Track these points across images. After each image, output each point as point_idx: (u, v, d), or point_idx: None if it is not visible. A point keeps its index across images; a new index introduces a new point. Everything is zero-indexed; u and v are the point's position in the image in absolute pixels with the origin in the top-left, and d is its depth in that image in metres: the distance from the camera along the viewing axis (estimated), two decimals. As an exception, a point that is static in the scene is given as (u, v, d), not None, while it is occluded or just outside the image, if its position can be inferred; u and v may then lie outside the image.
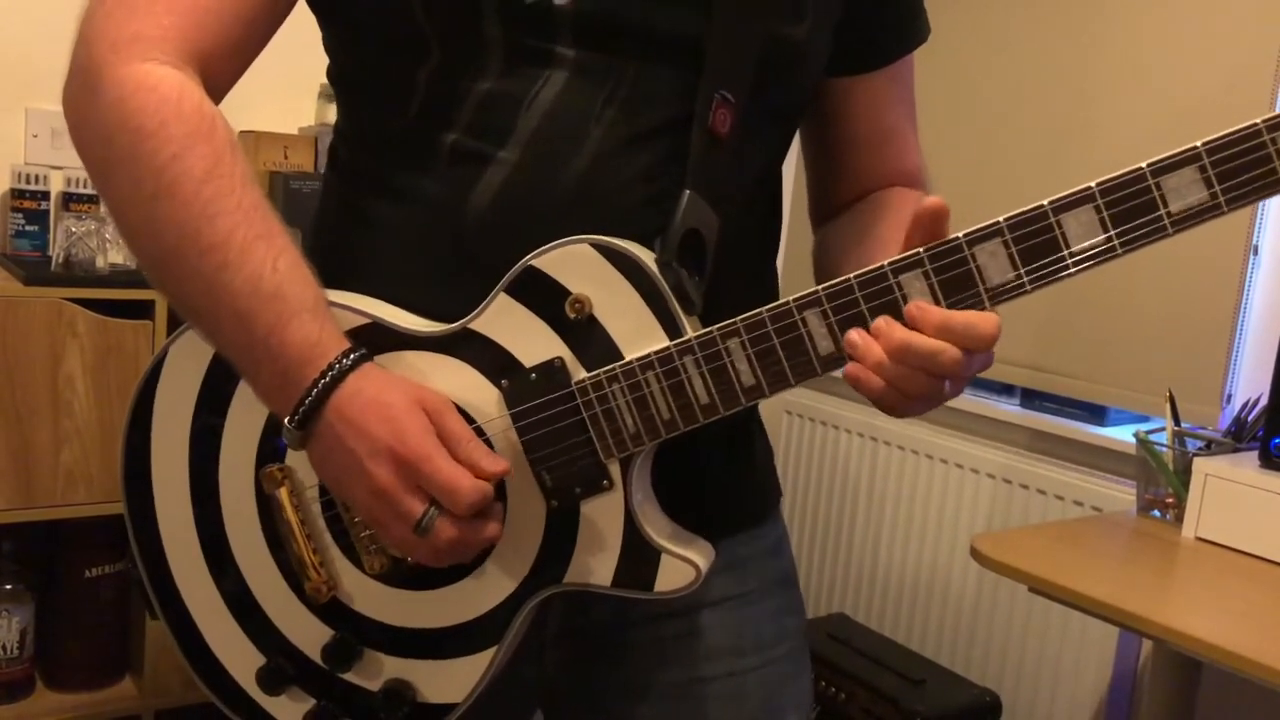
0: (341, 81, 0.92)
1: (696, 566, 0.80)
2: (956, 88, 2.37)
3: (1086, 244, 0.70)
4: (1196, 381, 1.95)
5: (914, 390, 0.72)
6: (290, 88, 1.79)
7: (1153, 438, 1.79)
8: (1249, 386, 1.93)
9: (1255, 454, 1.64)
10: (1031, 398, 2.30)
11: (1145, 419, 2.11)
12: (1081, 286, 2.09)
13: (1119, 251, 0.69)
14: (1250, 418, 1.78)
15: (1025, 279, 0.71)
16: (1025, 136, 2.25)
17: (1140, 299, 2.05)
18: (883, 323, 0.72)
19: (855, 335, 0.73)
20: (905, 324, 0.72)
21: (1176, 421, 1.82)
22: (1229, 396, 1.94)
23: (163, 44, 0.78)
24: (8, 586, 1.99)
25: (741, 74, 0.83)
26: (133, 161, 0.76)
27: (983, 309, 0.72)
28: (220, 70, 0.82)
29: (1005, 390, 2.36)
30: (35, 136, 2.14)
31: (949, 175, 0.84)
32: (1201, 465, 1.65)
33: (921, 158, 1.01)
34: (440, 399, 0.77)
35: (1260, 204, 1.90)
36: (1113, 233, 0.69)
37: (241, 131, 2.26)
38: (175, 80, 0.78)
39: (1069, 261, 0.70)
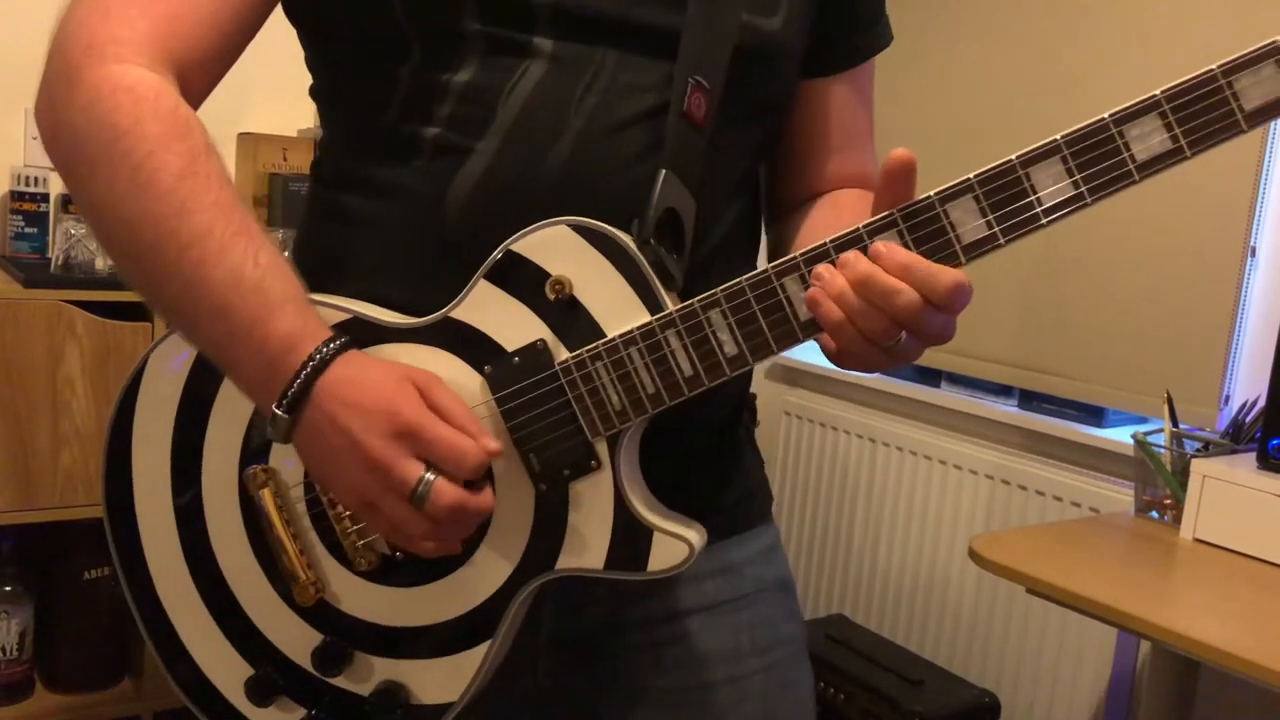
0: (325, 95, 0.92)
1: (689, 543, 0.80)
2: (946, 77, 2.37)
3: (1056, 195, 0.71)
4: (1194, 383, 1.95)
5: (871, 329, 0.72)
6: (289, 90, 1.79)
7: (1151, 439, 1.79)
8: (1247, 388, 1.93)
9: (1253, 455, 1.64)
10: (1029, 399, 2.30)
11: (1143, 420, 2.11)
12: (1080, 287, 2.11)
13: (1088, 200, 0.71)
14: (1248, 419, 1.77)
15: (999, 232, 0.72)
16: (1014, 126, 2.24)
17: (1138, 300, 2.05)
18: (850, 255, 0.73)
19: (822, 268, 0.73)
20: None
21: (1174, 423, 1.82)
22: (1227, 398, 1.94)
23: (138, 47, 0.78)
24: (7, 588, 2.00)
25: (716, 61, 0.84)
26: (108, 160, 0.76)
27: (958, 265, 0.72)
28: (195, 76, 0.82)
29: (1003, 391, 2.35)
30: (35, 138, 2.14)
31: (937, 167, 0.84)
32: (1199, 466, 1.64)
33: (875, 167, 1.00)
34: (427, 374, 0.77)
35: (1258, 206, 1.90)
36: (1080, 179, 0.70)
37: (241, 133, 2.27)
38: (151, 81, 0.78)
39: (1039, 212, 0.71)
